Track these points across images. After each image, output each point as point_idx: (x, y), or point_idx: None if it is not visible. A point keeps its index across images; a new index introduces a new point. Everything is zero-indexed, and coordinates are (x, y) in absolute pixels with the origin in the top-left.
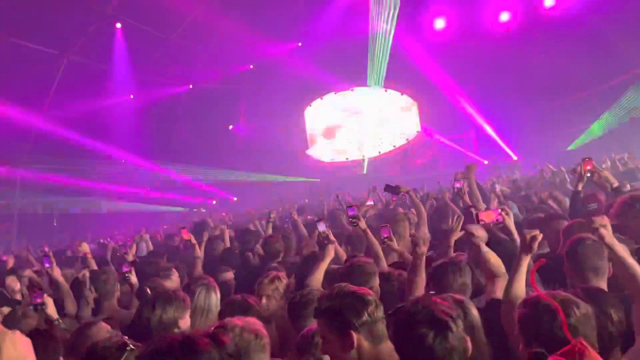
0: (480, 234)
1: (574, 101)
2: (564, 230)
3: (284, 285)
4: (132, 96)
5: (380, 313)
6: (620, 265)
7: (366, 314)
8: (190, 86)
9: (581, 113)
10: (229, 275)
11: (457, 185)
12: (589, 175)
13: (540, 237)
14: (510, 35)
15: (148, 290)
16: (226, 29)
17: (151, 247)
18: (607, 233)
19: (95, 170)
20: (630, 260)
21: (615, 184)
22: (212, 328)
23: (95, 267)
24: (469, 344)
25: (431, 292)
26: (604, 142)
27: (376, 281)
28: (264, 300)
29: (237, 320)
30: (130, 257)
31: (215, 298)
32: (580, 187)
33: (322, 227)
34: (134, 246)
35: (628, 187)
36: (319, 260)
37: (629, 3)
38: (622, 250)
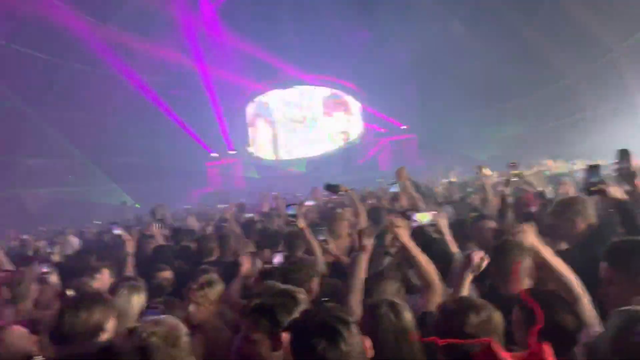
0: (401, 223)
1: (510, 107)
2: (494, 233)
3: (217, 291)
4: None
5: None
6: (546, 268)
7: (297, 314)
8: (127, 77)
9: (515, 118)
10: (167, 274)
11: (392, 189)
12: (515, 179)
13: (486, 260)
14: (449, 40)
15: (67, 292)
16: (165, 20)
17: (77, 247)
18: (528, 237)
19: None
20: (555, 261)
21: (540, 188)
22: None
23: (9, 267)
24: (367, 346)
25: (325, 299)
26: (534, 146)
27: (315, 281)
28: (191, 308)
29: (152, 324)
30: (56, 257)
31: (137, 300)
32: (507, 191)
33: (291, 210)
34: (58, 246)
35: (551, 190)
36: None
37: (559, 14)
38: (546, 252)
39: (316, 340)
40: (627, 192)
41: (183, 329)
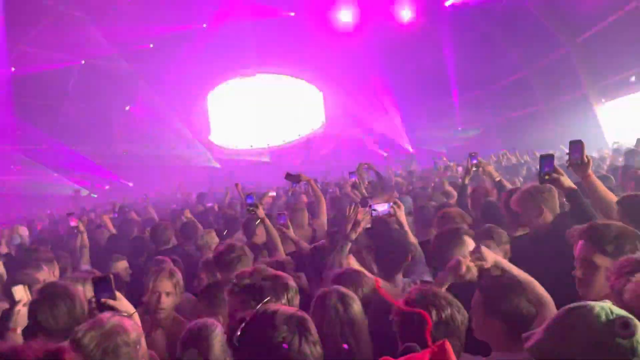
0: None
1: (467, 99)
2: (438, 219)
3: (180, 279)
4: (13, 69)
5: (297, 302)
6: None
7: (285, 298)
8: (82, 61)
9: (473, 111)
10: (122, 264)
11: (353, 178)
12: (474, 169)
13: (473, 267)
14: (411, 32)
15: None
16: (125, 3)
17: (26, 240)
18: (489, 257)
19: None
20: (521, 274)
21: (498, 178)
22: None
23: None
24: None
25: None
26: (488, 138)
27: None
28: (163, 298)
29: (94, 324)
30: (4, 249)
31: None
32: (467, 181)
33: (250, 199)
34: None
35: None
36: None
37: (517, 12)
38: (510, 267)
39: (270, 333)
40: (578, 184)
41: (130, 336)
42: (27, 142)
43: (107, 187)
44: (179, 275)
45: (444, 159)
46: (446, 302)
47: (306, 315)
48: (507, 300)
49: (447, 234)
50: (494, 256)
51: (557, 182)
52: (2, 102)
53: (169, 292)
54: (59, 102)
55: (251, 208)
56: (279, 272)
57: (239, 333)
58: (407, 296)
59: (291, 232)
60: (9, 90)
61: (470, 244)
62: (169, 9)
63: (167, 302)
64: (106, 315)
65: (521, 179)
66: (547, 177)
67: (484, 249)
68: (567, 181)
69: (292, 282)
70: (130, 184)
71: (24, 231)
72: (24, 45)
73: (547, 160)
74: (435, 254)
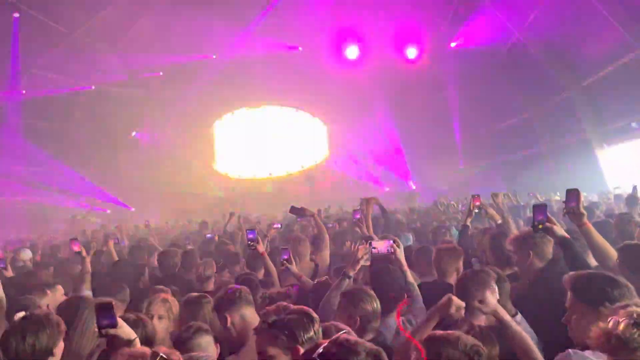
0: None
1: (470, 138)
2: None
3: (175, 306)
4: (24, 91)
5: (321, 333)
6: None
7: (312, 330)
8: (92, 87)
9: (475, 150)
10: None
11: (356, 216)
12: (476, 211)
13: (462, 307)
14: (416, 70)
15: (16, 315)
16: (137, 32)
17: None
18: (490, 304)
19: None
20: (512, 324)
21: (500, 221)
22: None
23: None
24: None
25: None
26: (490, 177)
27: None
28: (155, 320)
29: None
30: (10, 272)
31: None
32: (468, 222)
33: (252, 234)
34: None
35: (512, 223)
36: None
37: (521, 55)
38: (504, 315)
39: None
40: (572, 231)
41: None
42: (33, 164)
43: (108, 211)
44: (174, 302)
45: (446, 198)
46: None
47: (381, 349)
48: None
49: (470, 276)
50: (494, 305)
51: (549, 231)
52: (11, 124)
53: (161, 315)
54: (66, 126)
55: (252, 243)
56: (301, 306)
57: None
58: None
59: (294, 268)
60: (18, 112)
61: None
62: (181, 38)
63: (159, 325)
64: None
65: (522, 221)
66: (540, 226)
67: (488, 295)
68: (560, 230)
69: (315, 314)
70: (133, 209)
71: (26, 254)
72: (35, 69)
73: (539, 209)
74: (458, 294)
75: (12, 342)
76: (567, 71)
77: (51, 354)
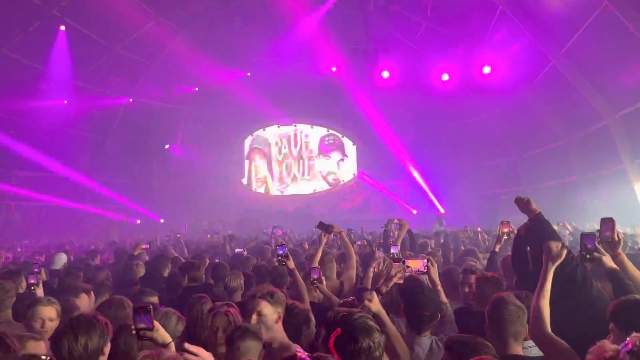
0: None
1: (502, 164)
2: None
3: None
4: (65, 101)
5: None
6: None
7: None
8: (130, 99)
9: (507, 176)
10: (153, 299)
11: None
12: (506, 237)
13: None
14: (448, 95)
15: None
16: (175, 48)
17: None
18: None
19: (11, 174)
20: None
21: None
22: None
23: None
24: None
25: None
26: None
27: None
28: (220, 333)
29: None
30: (43, 276)
31: None
32: (497, 248)
33: (282, 250)
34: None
35: None
36: None
37: (555, 82)
38: (386, 319)
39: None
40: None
41: None
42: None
43: (138, 221)
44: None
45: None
46: None
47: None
48: None
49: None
50: (378, 307)
51: (599, 262)
52: (59, 131)
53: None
54: (104, 136)
55: (282, 259)
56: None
57: None
58: None
59: (324, 287)
60: (62, 120)
61: None
62: (217, 55)
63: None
64: (164, 351)
65: None
66: (588, 256)
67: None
68: (609, 261)
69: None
70: (162, 221)
71: (61, 258)
72: (79, 81)
73: (588, 238)
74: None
75: (64, 342)
76: (603, 100)
77: (102, 353)
